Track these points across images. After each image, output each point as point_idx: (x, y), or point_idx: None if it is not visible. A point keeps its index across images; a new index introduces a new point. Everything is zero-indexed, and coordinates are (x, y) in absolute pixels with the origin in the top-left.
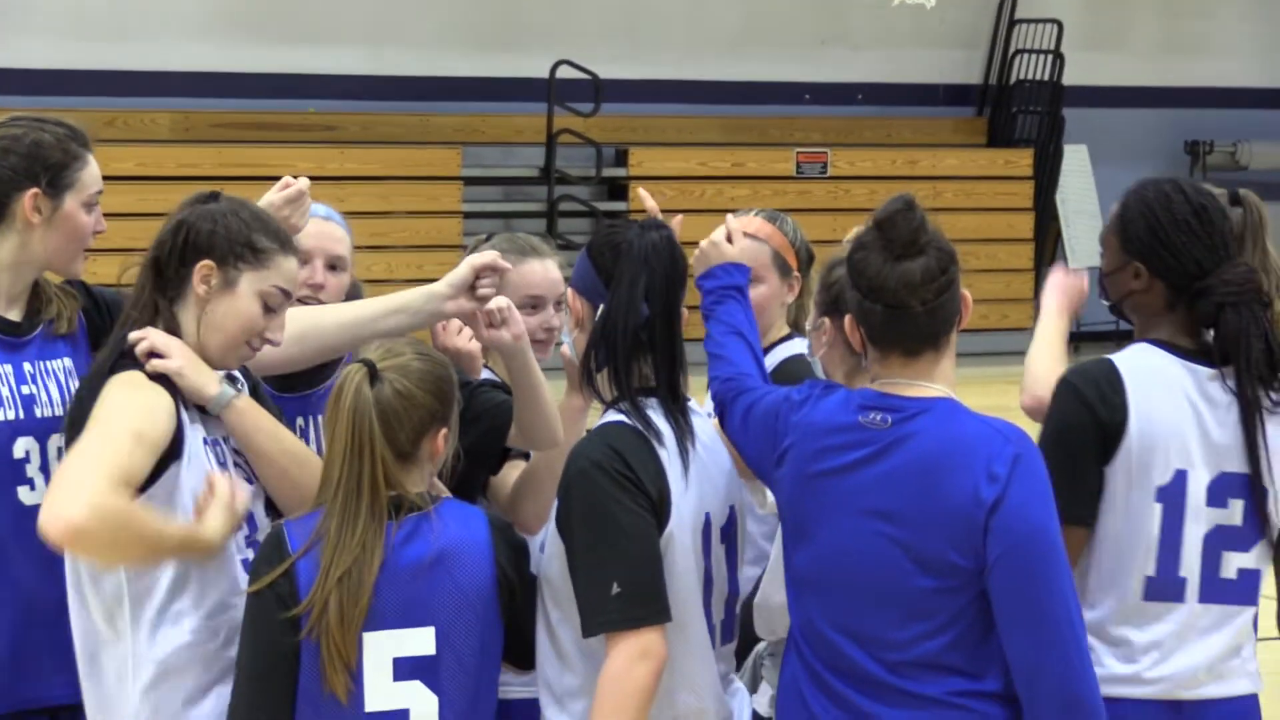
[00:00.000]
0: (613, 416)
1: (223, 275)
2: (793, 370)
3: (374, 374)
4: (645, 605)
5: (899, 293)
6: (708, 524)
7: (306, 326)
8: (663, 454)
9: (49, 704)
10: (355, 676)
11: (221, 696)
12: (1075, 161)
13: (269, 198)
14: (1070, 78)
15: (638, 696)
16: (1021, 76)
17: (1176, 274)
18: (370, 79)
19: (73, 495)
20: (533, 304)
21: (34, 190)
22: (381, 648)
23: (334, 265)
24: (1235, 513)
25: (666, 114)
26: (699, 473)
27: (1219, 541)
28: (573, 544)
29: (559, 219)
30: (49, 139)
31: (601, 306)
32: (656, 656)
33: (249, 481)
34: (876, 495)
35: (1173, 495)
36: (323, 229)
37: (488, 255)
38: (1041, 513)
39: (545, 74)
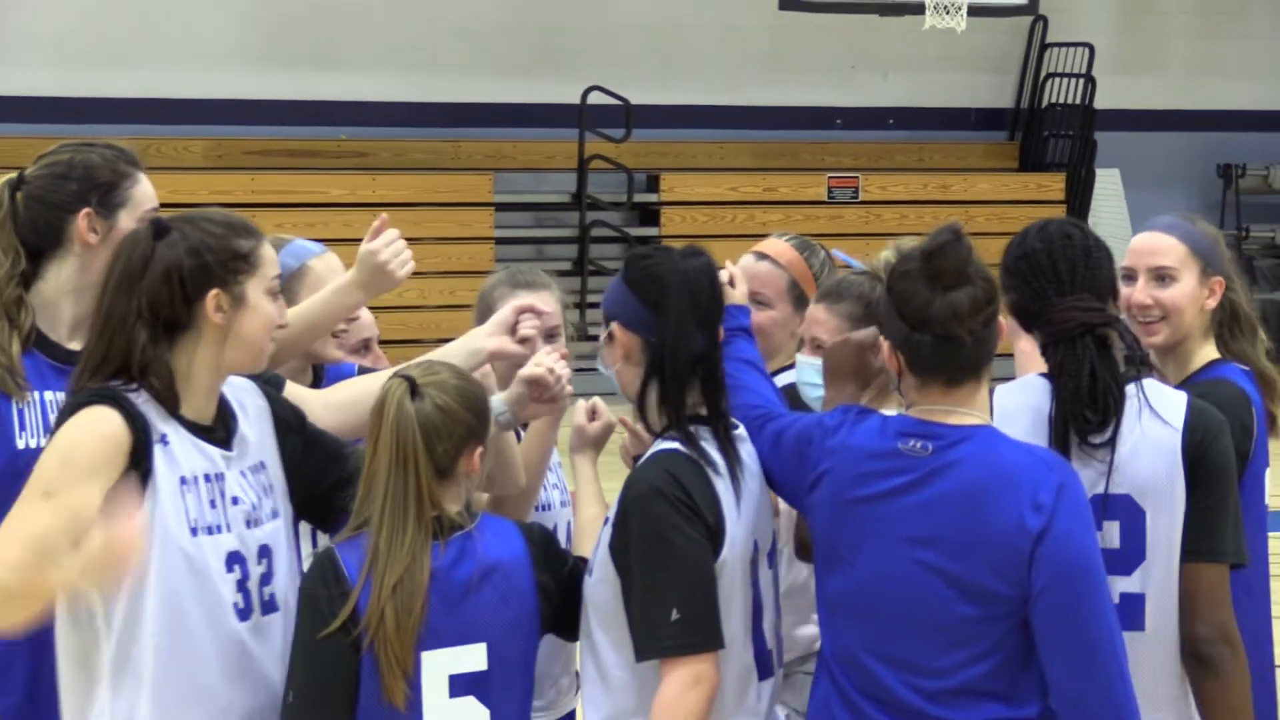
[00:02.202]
0: (666, 445)
1: (231, 296)
2: (796, 398)
3: (414, 389)
4: (702, 632)
5: (949, 323)
6: (756, 550)
7: (358, 393)
8: (717, 483)
9: None
10: (414, 688)
11: None
12: (1107, 185)
13: (370, 246)
14: (1102, 101)
15: None
16: (1053, 100)
17: (1019, 319)
18: (402, 105)
19: None
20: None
21: (87, 211)
22: (438, 665)
23: (362, 351)
24: (1112, 535)
25: (698, 139)
26: (748, 500)
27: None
28: (630, 569)
29: (590, 244)
30: (97, 160)
31: (646, 339)
32: (709, 683)
33: (248, 525)
34: (918, 522)
35: None
36: (330, 262)
37: (528, 302)
38: (1086, 541)
39: (577, 100)
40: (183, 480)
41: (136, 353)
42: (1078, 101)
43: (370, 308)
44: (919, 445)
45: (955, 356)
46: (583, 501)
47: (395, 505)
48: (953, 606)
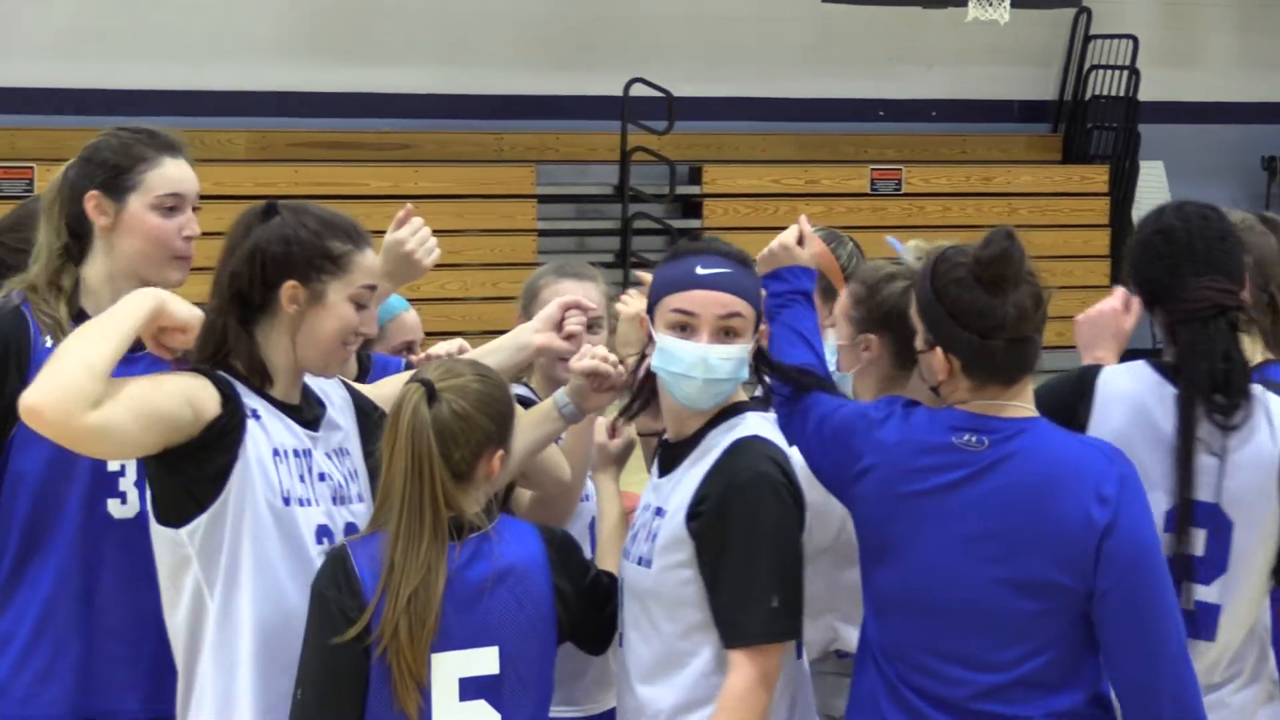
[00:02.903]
0: (748, 430)
1: (309, 291)
2: None
3: (432, 394)
4: (794, 619)
5: (1020, 325)
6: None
7: (398, 389)
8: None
9: (118, 718)
10: (423, 691)
11: None
12: (1151, 178)
13: (395, 236)
14: (1146, 93)
15: (760, 712)
16: (1097, 92)
17: (1147, 295)
18: (444, 98)
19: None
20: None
21: (92, 192)
22: (448, 668)
23: (404, 352)
24: (1197, 542)
25: (740, 131)
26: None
27: (1178, 571)
28: (725, 554)
29: (633, 236)
30: (114, 143)
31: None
32: (777, 671)
33: (334, 501)
34: (977, 517)
35: None
36: (404, 322)
37: (574, 298)
38: (1150, 533)
39: (619, 92)
40: (276, 452)
41: (226, 328)
42: (1121, 94)
43: (413, 299)
44: (974, 439)
45: (1024, 357)
46: (607, 520)
47: (411, 513)
48: (1013, 602)
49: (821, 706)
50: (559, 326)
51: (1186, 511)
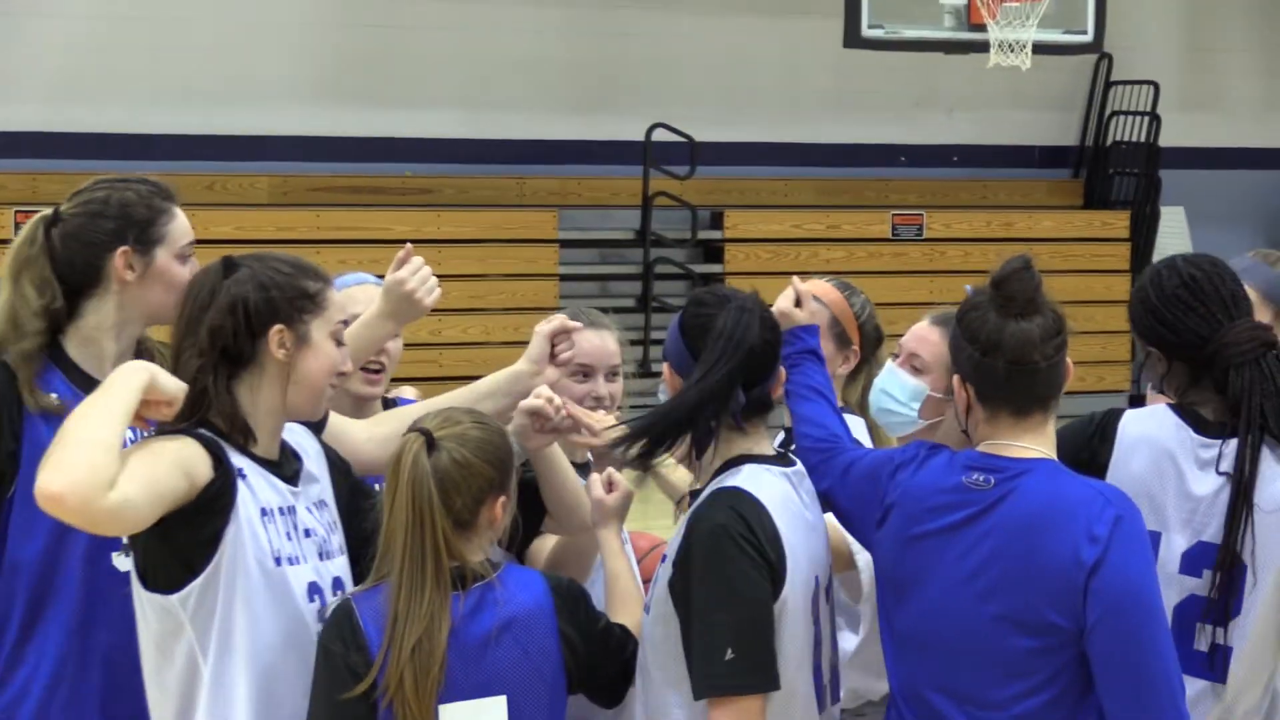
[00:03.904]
0: (730, 481)
1: (295, 334)
2: None
3: (431, 443)
4: (755, 674)
5: (1024, 348)
6: (816, 585)
7: (400, 427)
8: (779, 520)
9: None
10: None
11: None
12: (1172, 223)
13: (396, 276)
14: (1167, 139)
15: None
16: (1117, 138)
17: (1182, 348)
18: (466, 142)
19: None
20: (583, 372)
21: (124, 249)
22: (457, 719)
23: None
24: (1210, 583)
25: (761, 176)
26: (809, 536)
27: (1192, 611)
28: (690, 607)
29: (654, 281)
30: (133, 196)
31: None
32: None
33: (320, 557)
34: (975, 555)
35: None
36: (373, 294)
37: (555, 320)
38: (1142, 574)
39: (641, 136)
40: (264, 511)
41: (206, 388)
42: (1142, 139)
43: (434, 344)
44: (981, 479)
45: (1028, 384)
46: (614, 577)
47: (413, 564)
48: (1010, 639)
49: None
50: (551, 358)
51: (1230, 552)
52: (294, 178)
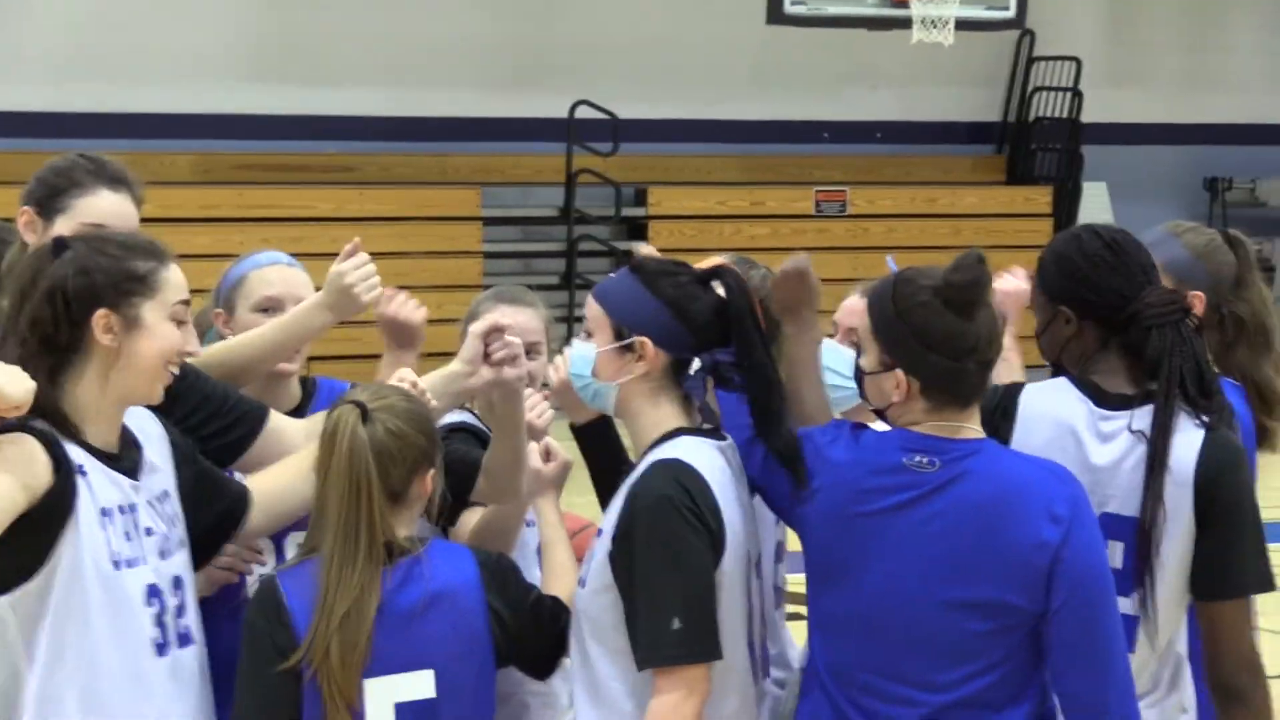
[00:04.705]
0: (669, 453)
1: (122, 318)
2: None
3: (365, 414)
4: (702, 642)
5: (988, 349)
6: (748, 559)
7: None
8: (717, 491)
9: None
10: (358, 717)
11: None
12: (1094, 199)
13: (338, 268)
14: (1089, 115)
15: None
16: (1040, 114)
17: (1101, 308)
18: (389, 120)
19: None
20: None
21: (24, 209)
22: (383, 693)
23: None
24: (1115, 554)
25: (685, 153)
26: (742, 509)
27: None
28: (632, 579)
29: (578, 259)
30: (59, 164)
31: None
32: (701, 694)
33: (161, 556)
34: (926, 538)
35: None
36: (287, 275)
37: (489, 319)
38: (1101, 553)
39: (564, 114)
40: (104, 511)
41: (34, 378)
42: (1065, 115)
43: (357, 321)
44: (925, 460)
45: (980, 380)
46: (550, 545)
47: (346, 536)
48: (961, 622)
49: None
50: (486, 358)
51: (1152, 520)
52: (216, 156)
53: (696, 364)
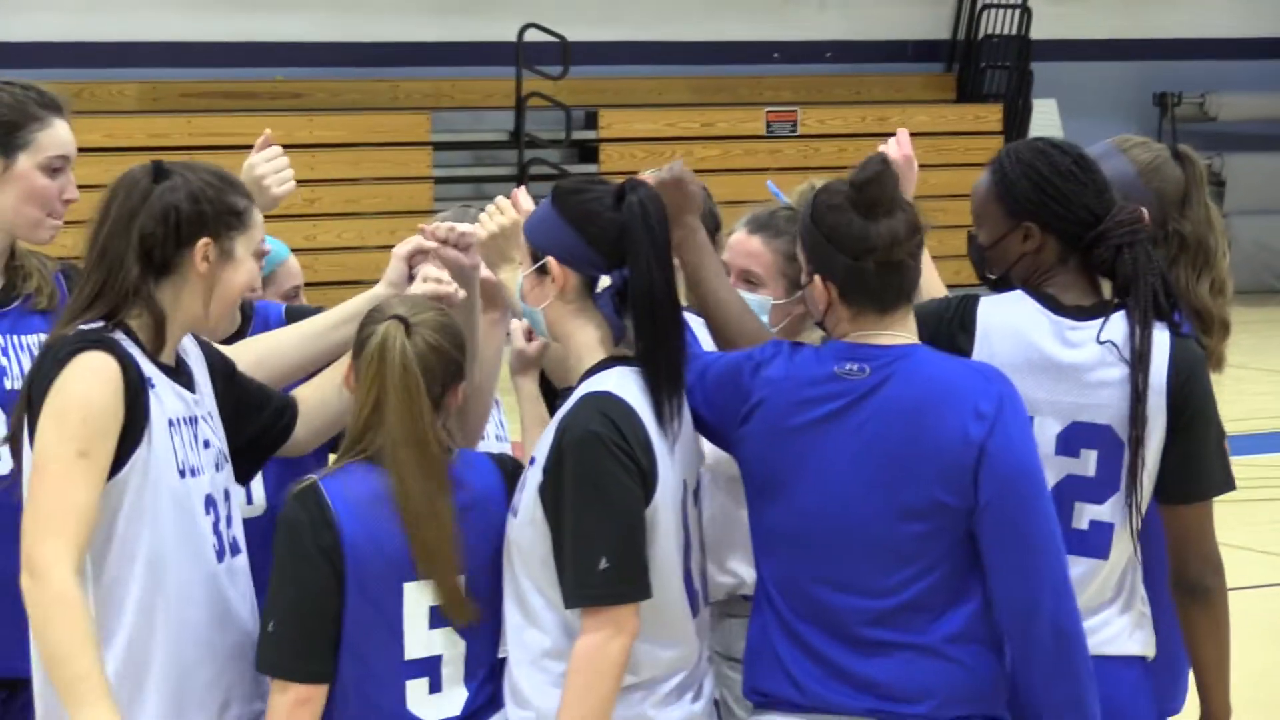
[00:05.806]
0: (598, 385)
1: (219, 248)
2: None
3: (409, 328)
4: (629, 581)
5: (892, 249)
6: (684, 490)
7: (264, 351)
8: (650, 425)
9: (4, 676)
10: (396, 619)
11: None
12: (1044, 116)
13: (250, 160)
14: (1038, 31)
15: (612, 671)
16: (989, 31)
17: (1070, 223)
18: (337, 45)
19: (55, 561)
20: None
21: None
22: (420, 597)
23: (292, 298)
24: (1088, 463)
25: (635, 75)
26: (679, 441)
27: (1070, 491)
28: (561, 515)
29: (530, 183)
30: (5, 98)
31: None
32: (629, 632)
33: (216, 468)
34: (857, 444)
35: None
36: (290, 267)
37: (411, 241)
38: (1029, 452)
39: (513, 37)
40: (170, 422)
41: (131, 291)
42: (1014, 32)
43: (308, 248)
44: (856, 368)
45: (897, 282)
46: (535, 423)
47: (410, 447)
48: (897, 525)
49: (726, 650)
50: (410, 280)
51: (1139, 434)
52: (163, 84)
53: (606, 281)
